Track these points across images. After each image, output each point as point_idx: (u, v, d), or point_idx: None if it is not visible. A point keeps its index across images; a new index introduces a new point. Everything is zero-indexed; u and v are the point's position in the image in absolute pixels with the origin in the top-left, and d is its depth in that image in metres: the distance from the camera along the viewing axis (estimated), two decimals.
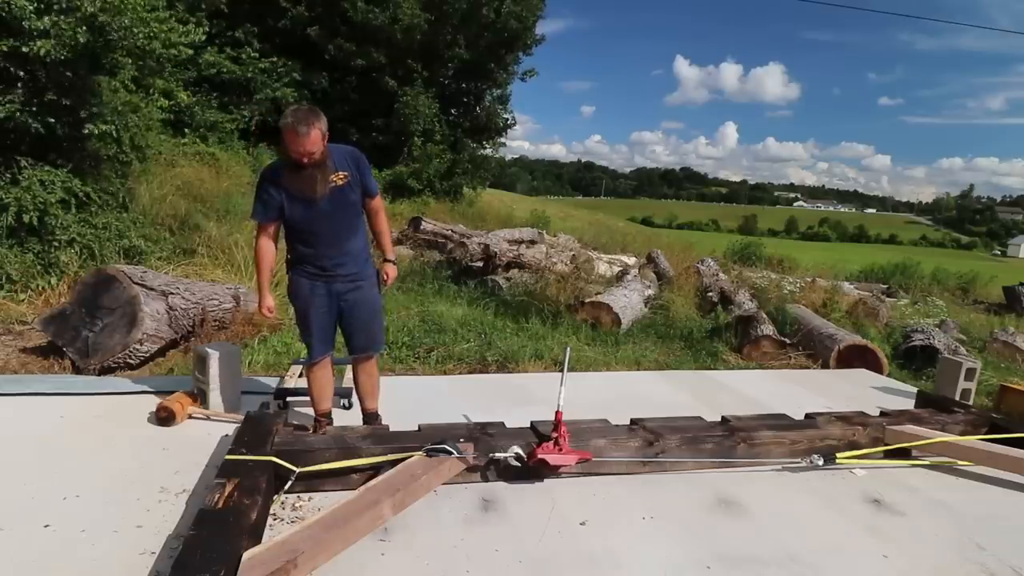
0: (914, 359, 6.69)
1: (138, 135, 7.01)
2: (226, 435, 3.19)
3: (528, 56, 20.40)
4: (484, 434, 2.99)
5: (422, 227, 11.21)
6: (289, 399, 3.67)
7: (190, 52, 7.47)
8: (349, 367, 4.10)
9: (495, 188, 29.98)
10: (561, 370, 3.12)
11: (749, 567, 2.35)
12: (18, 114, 5.68)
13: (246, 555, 1.98)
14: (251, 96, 15.19)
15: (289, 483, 2.60)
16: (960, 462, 3.37)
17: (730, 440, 3.19)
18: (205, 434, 3.25)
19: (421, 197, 16.97)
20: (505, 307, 7.41)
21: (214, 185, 10.21)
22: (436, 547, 2.35)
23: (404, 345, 5.62)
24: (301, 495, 2.67)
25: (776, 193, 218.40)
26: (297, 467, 2.61)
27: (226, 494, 2.24)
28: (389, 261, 3.22)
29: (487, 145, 21.26)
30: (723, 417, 3.47)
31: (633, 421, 3.31)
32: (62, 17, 5.54)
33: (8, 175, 5.80)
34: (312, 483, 2.69)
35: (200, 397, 3.52)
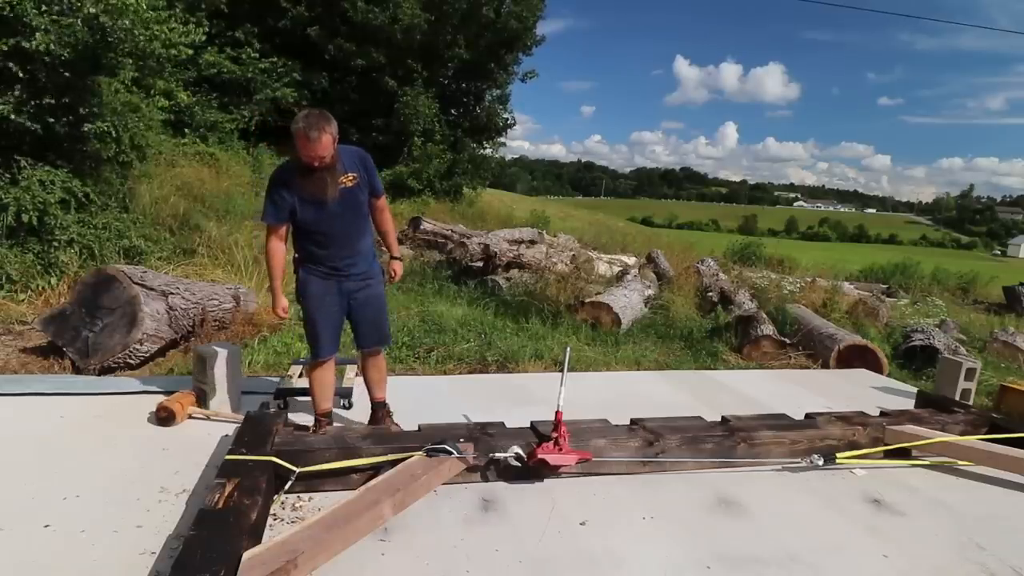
0: (914, 359, 6.69)
1: (138, 135, 7.00)
2: (226, 435, 3.20)
3: (528, 56, 20.41)
4: (484, 434, 2.99)
5: (422, 227, 11.21)
6: (289, 398, 3.67)
7: (190, 52, 7.46)
8: (348, 367, 4.13)
9: (495, 188, 29.98)
10: (561, 370, 3.12)
11: (749, 567, 2.35)
12: (17, 114, 5.68)
13: (246, 555, 1.98)
14: (251, 96, 15.19)
15: (289, 483, 2.60)
16: (960, 462, 3.37)
17: (730, 440, 3.19)
18: (205, 434, 3.25)
19: (421, 197, 16.97)
20: (505, 307, 7.41)
21: (214, 185, 10.21)
22: (436, 547, 2.35)
23: (404, 345, 5.61)
24: (301, 495, 2.67)
25: (776, 193, 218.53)
26: (297, 467, 2.61)
27: (226, 494, 2.24)
28: (395, 259, 3.33)
29: (487, 145, 21.25)
30: (723, 417, 3.47)
31: (633, 421, 3.31)
32: (63, 17, 5.54)
33: (8, 175, 5.80)
34: (312, 483, 2.69)
35: (200, 397, 3.52)
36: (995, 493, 3.14)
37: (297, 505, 2.62)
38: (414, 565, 2.24)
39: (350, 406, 3.72)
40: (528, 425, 3.13)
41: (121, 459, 2.92)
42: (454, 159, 18.55)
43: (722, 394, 4.55)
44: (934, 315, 9.73)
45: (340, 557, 2.22)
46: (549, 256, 9.36)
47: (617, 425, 3.25)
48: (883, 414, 3.68)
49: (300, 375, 4.00)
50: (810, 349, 6.55)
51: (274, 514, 2.51)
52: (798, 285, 9.90)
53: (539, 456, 2.82)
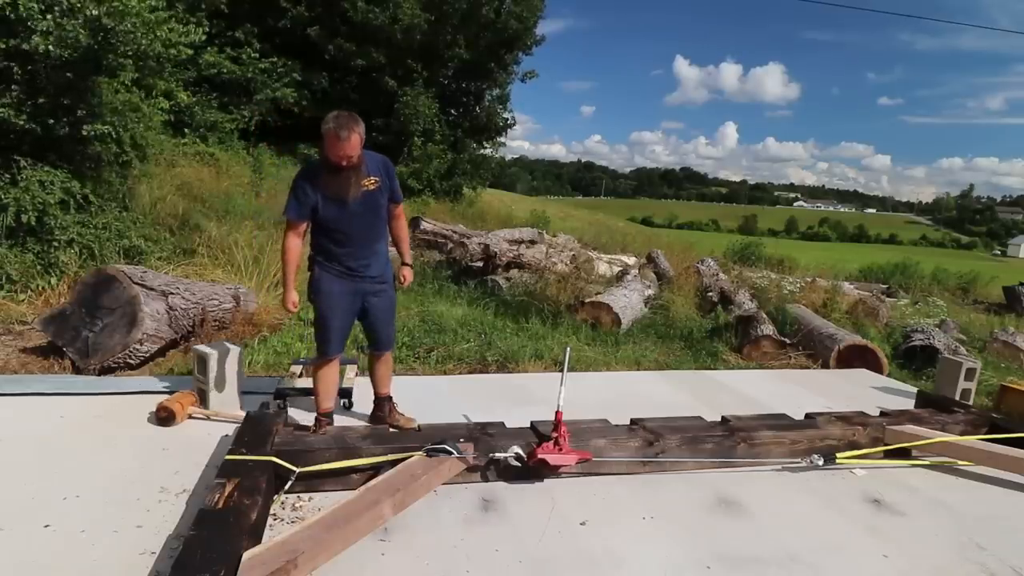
0: (914, 359, 6.69)
1: (138, 135, 7.00)
2: (226, 435, 3.20)
3: (528, 56, 20.42)
4: (484, 434, 2.99)
5: (422, 227, 11.21)
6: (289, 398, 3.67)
7: (190, 52, 7.46)
8: (348, 367, 4.13)
9: (495, 188, 29.99)
10: (561, 370, 3.12)
11: (749, 567, 2.35)
12: (17, 114, 5.68)
13: (246, 555, 1.98)
14: (251, 96, 15.20)
15: (289, 483, 2.60)
16: (960, 462, 3.37)
17: (730, 440, 3.19)
18: (205, 434, 3.25)
19: (421, 197, 16.97)
20: (505, 307, 7.41)
21: (214, 185, 10.21)
22: (436, 547, 2.35)
23: (404, 345, 5.61)
24: (301, 495, 2.68)
25: (776, 193, 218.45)
26: (297, 467, 2.61)
27: (226, 494, 2.24)
28: (407, 265, 3.42)
29: (487, 145, 21.27)
30: (723, 417, 3.47)
31: (633, 421, 3.31)
32: (65, 19, 5.54)
33: (7, 175, 5.79)
34: (312, 483, 2.69)
35: (200, 397, 3.52)
36: (995, 493, 3.14)
37: (297, 505, 2.62)
38: (414, 565, 2.24)
39: (350, 406, 3.73)
40: (528, 425, 3.13)
41: (121, 459, 2.92)
42: (454, 159, 18.56)
43: (722, 394, 4.55)
44: (934, 315, 9.73)
45: (340, 557, 2.22)
46: (549, 256, 9.36)
47: (617, 425, 3.25)
48: (883, 414, 3.68)
49: (300, 375, 4.00)
50: (810, 349, 6.55)
51: (274, 514, 2.51)
52: (798, 285, 9.90)
53: (539, 456, 2.82)
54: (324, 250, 3.10)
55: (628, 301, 7.40)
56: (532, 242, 10.86)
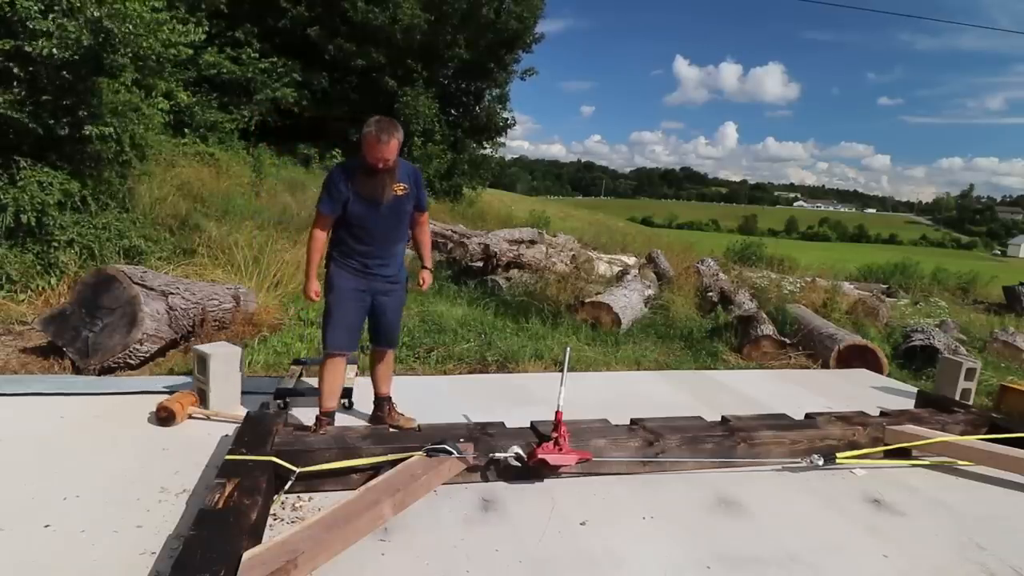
0: (914, 359, 6.69)
1: (138, 135, 7.00)
2: (226, 435, 3.20)
3: (528, 54, 20.45)
4: (484, 434, 2.99)
5: None
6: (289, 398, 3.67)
7: (190, 52, 7.46)
8: (349, 367, 4.12)
9: (495, 188, 29.99)
10: (561, 370, 3.12)
11: (749, 567, 2.35)
12: (17, 114, 5.67)
13: (246, 555, 1.98)
14: (251, 96, 15.19)
15: (289, 483, 2.60)
16: (960, 462, 3.37)
17: (730, 440, 3.20)
18: (205, 434, 3.25)
19: None
20: (505, 307, 7.41)
21: (214, 185, 10.20)
22: (436, 547, 2.35)
23: (404, 345, 5.61)
24: (301, 495, 2.68)
25: (776, 193, 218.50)
26: (297, 467, 2.61)
27: (226, 494, 2.24)
28: (427, 268, 3.51)
29: (487, 145, 21.28)
30: (723, 417, 3.47)
31: (633, 421, 3.31)
32: (66, 20, 5.53)
33: (7, 176, 5.79)
34: (312, 483, 2.69)
35: (200, 397, 3.52)
36: (995, 493, 3.14)
37: (297, 505, 2.62)
38: (414, 565, 2.24)
39: (350, 406, 3.73)
40: (528, 425, 3.13)
41: (121, 459, 2.92)
42: (454, 159, 18.56)
43: (722, 394, 4.55)
44: (934, 315, 9.73)
45: (340, 557, 2.22)
46: (549, 256, 9.36)
47: (617, 425, 3.25)
48: (883, 414, 3.68)
49: (300, 375, 4.00)
50: (810, 349, 6.55)
51: (274, 514, 2.51)
52: (798, 285, 9.90)
53: (539, 456, 2.82)
54: (343, 246, 3.18)
55: (628, 301, 7.40)
56: (532, 242, 10.86)
